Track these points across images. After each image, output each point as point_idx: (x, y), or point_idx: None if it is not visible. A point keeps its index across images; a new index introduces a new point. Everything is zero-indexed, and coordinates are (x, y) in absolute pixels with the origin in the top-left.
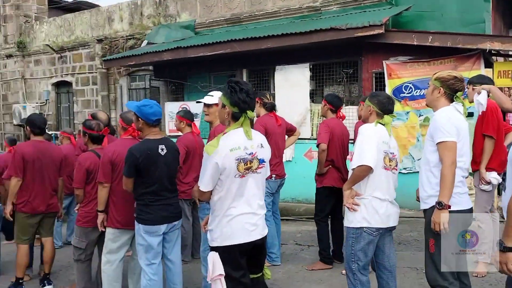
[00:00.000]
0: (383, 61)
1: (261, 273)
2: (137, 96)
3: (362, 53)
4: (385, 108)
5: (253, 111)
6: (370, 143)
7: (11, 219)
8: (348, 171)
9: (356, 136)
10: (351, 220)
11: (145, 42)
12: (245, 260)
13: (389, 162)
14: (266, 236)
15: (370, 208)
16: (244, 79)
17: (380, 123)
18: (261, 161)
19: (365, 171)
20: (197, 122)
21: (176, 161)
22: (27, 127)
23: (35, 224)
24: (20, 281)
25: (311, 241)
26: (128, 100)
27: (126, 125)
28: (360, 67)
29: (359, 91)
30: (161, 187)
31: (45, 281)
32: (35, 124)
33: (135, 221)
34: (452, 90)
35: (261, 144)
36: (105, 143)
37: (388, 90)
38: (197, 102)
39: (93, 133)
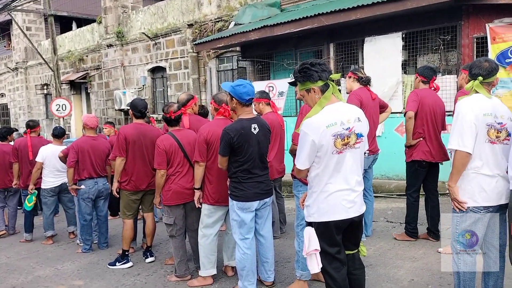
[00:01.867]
0: (486, 24)
1: (356, 250)
2: (225, 78)
3: (461, 17)
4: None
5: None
6: (466, 124)
7: (117, 195)
8: (441, 145)
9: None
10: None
11: (232, 23)
12: (341, 237)
13: (496, 133)
14: (363, 213)
15: (475, 185)
16: (331, 53)
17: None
18: (359, 136)
19: (465, 157)
20: (282, 100)
21: (268, 139)
22: (130, 110)
23: (137, 200)
24: (126, 253)
25: (402, 218)
26: (217, 82)
27: (218, 105)
28: (459, 32)
29: (457, 59)
30: (253, 164)
31: (148, 253)
32: (137, 108)
33: (229, 198)
34: None
35: (358, 118)
36: (185, 123)
37: (492, 56)
38: (289, 83)
39: (165, 115)
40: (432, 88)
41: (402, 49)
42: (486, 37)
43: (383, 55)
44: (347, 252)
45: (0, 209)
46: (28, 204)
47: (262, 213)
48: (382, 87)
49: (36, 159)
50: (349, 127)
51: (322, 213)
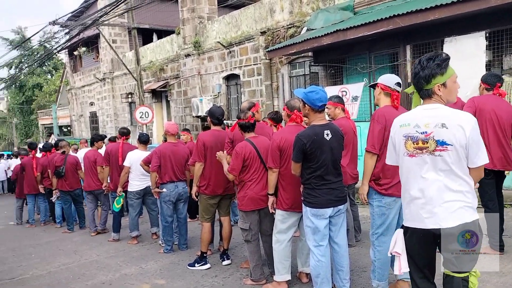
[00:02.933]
0: None
1: (456, 273)
2: (297, 83)
3: None
4: None
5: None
6: None
7: (196, 199)
8: (506, 153)
9: None
10: None
11: (304, 29)
12: (428, 249)
13: None
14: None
15: None
16: (408, 55)
17: None
18: (440, 143)
19: None
20: (356, 105)
21: (341, 145)
22: (208, 117)
23: (215, 204)
24: (204, 254)
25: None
26: (289, 88)
27: (290, 111)
28: None
29: None
30: (326, 171)
31: (224, 256)
32: (214, 115)
33: (303, 204)
34: None
35: (443, 124)
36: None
37: None
38: (370, 86)
39: (240, 122)
40: (497, 94)
41: (486, 49)
42: None
43: (464, 56)
44: (446, 271)
45: (90, 211)
46: (117, 205)
47: (336, 220)
48: (465, 90)
49: (124, 164)
50: (425, 132)
51: (405, 217)
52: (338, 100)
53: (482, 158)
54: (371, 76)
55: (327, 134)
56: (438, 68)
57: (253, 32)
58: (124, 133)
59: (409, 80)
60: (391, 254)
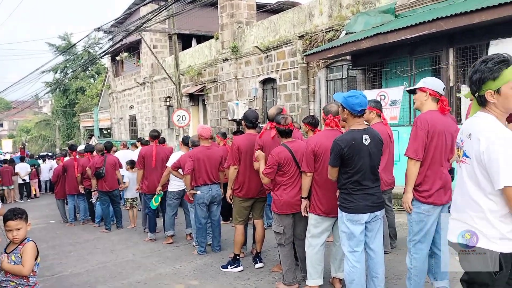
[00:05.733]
0: None
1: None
2: (334, 87)
3: None
4: None
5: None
6: None
7: (231, 202)
8: None
9: None
10: None
11: (343, 32)
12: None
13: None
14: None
15: None
16: (451, 59)
17: None
18: (464, 155)
19: None
20: (395, 109)
21: (379, 151)
22: (243, 121)
23: (249, 207)
24: (237, 257)
25: None
26: (326, 92)
27: (325, 116)
28: None
29: None
30: (364, 176)
31: (257, 259)
32: (248, 119)
33: (338, 209)
34: None
35: (469, 135)
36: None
37: None
38: (408, 91)
39: (280, 127)
40: None
41: None
42: None
43: None
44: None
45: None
46: (154, 203)
47: (372, 226)
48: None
49: (167, 164)
50: (462, 140)
51: None
52: (374, 105)
53: (503, 178)
54: (411, 79)
55: (366, 139)
56: (489, 72)
57: (291, 36)
58: (156, 136)
59: (451, 84)
60: None
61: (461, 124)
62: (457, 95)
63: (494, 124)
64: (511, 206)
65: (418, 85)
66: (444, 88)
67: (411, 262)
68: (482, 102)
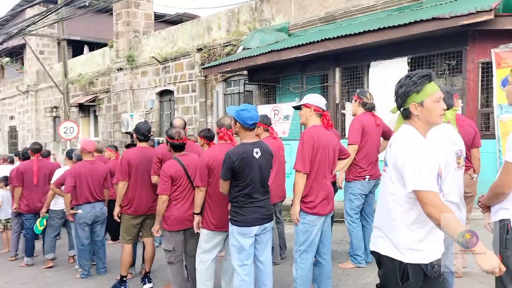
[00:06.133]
0: (491, 50)
1: None
2: (232, 101)
3: (466, 42)
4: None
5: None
6: None
7: (119, 220)
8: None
9: None
10: None
11: (240, 47)
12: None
13: None
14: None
15: None
16: (337, 78)
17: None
18: (385, 164)
19: None
20: (287, 124)
21: (270, 164)
22: (134, 134)
23: (138, 225)
24: (124, 278)
25: None
26: (223, 105)
27: (219, 129)
28: (464, 57)
29: (462, 83)
30: (254, 189)
31: (146, 279)
32: (140, 131)
33: (229, 223)
34: None
35: (390, 145)
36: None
37: (497, 81)
38: (293, 107)
39: (173, 142)
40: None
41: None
42: (491, 62)
43: (388, 80)
44: None
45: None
46: (39, 227)
47: (262, 238)
48: (388, 112)
49: (51, 182)
50: (386, 151)
51: None
52: (261, 120)
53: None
54: (302, 96)
55: (257, 152)
56: (413, 85)
57: (189, 48)
58: (37, 149)
59: (337, 101)
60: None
61: (346, 138)
62: (342, 112)
63: (411, 134)
64: (423, 208)
65: (302, 102)
66: (326, 103)
67: (297, 272)
68: (406, 115)
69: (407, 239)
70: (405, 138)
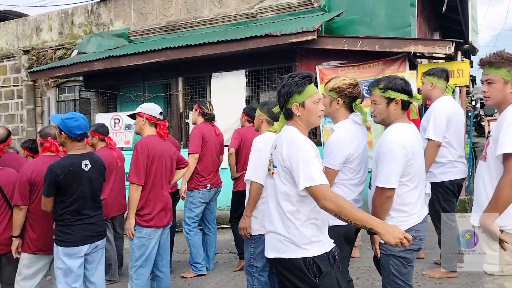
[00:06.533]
0: (316, 66)
1: None
2: (66, 109)
3: (296, 59)
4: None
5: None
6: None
7: None
8: None
9: None
10: None
11: (75, 52)
12: None
13: None
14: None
15: None
16: (180, 87)
17: (269, 130)
18: (274, 166)
19: None
20: (130, 133)
21: (102, 176)
22: None
23: None
24: None
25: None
26: (57, 113)
27: (43, 140)
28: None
29: None
30: (83, 205)
31: None
32: None
33: (54, 244)
34: (351, 98)
35: (275, 146)
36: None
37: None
38: (129, 116)
39: None
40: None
41: (246, 85)
42: (317, 78)
43: (229, 91)
44: None
45: None
46: None
47: (93, 257)
48: (228, 121)
49: None
50: (271, 153)
51: None
52: (95, 129)
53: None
54: None
55: (86, 165)
56: (295, 86)
57: (14, 50)
58: None
59: (180, 111)
60: None
61: (187, 148)
62: (186, 121)
63: (294, 133)
64: (318, 203)
65: (136, 111)
66: (162, 112)
67: None
68: (288, 116)
69: (305, 235)
70: (290, 138)
